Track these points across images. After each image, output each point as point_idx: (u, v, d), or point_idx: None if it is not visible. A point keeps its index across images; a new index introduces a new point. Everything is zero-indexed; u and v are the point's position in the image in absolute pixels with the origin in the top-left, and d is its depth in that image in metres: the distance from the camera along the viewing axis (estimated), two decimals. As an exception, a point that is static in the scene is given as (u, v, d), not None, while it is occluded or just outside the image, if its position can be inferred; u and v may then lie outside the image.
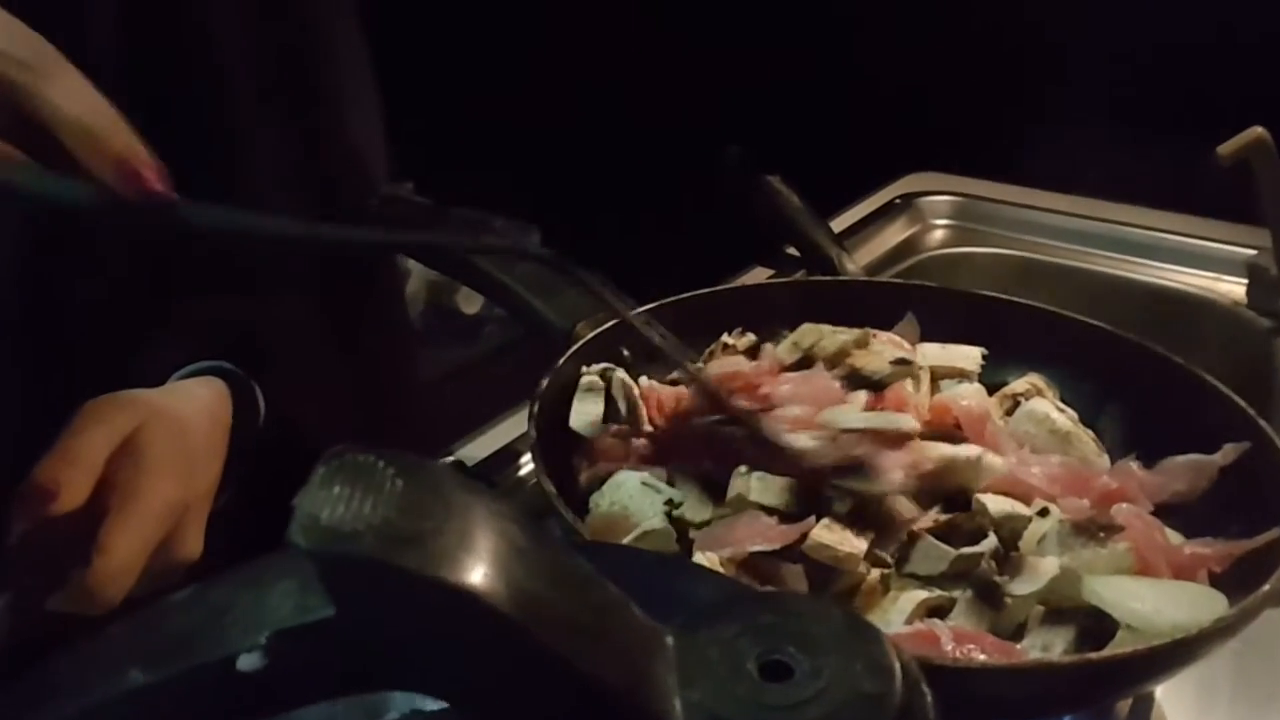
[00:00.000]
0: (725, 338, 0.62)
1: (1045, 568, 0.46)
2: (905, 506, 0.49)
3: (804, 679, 0.26)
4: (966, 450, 0.51)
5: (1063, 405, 0.58)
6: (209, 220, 0.40)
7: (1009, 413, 0.59)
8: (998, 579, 0.46)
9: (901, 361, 0.55)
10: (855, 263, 0.95)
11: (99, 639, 0.26)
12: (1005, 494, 0.51)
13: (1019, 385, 0.60)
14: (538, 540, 0.26)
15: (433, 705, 0.30)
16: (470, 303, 1.49)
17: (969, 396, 0.57)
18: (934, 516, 0.48)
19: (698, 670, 0.26)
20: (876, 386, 0.54)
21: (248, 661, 0.23)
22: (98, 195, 0.39)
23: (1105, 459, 0.56)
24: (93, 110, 0.39)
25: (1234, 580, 0.48)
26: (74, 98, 0.39)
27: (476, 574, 0.23)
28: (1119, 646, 0.44)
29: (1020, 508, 0.49)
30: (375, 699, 0.31)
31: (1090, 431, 0.58)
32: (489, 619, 0.23)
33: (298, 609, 0.23)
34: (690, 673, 0.26)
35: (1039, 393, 0.59)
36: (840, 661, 0.26)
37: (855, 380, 0.55)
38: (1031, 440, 0.56)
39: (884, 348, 0.56)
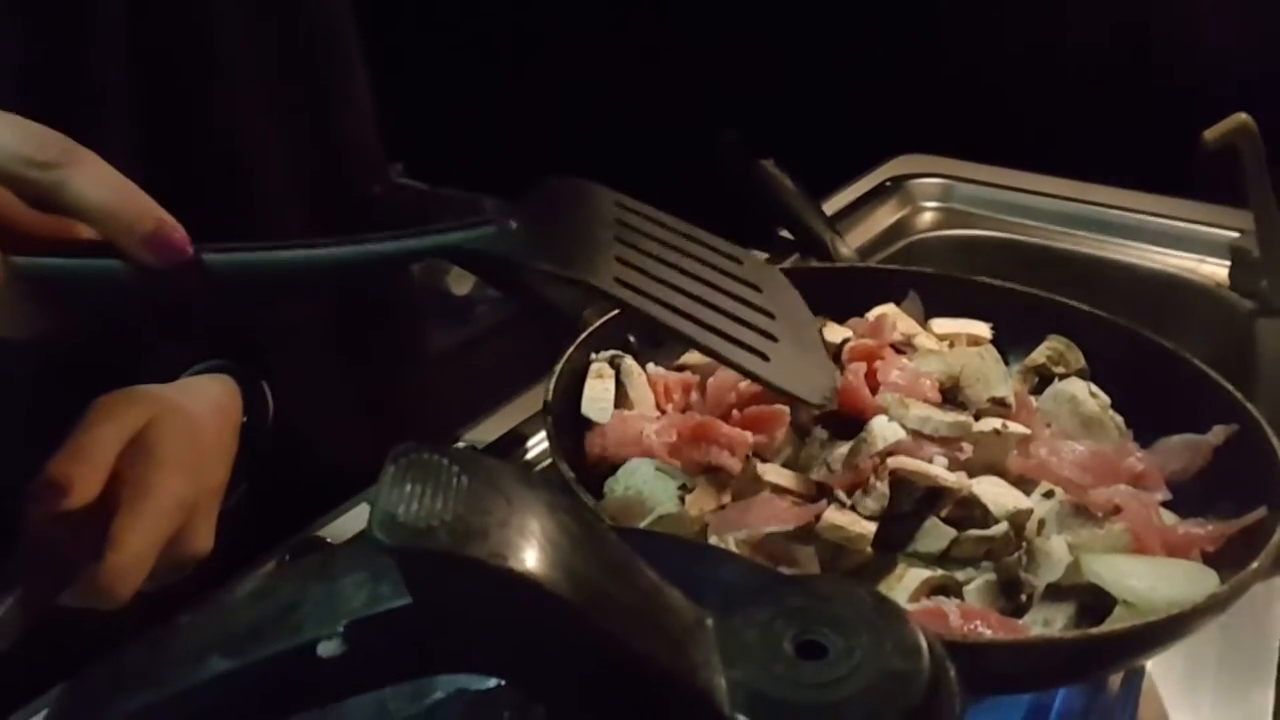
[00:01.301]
0: None
1: (1059, 555, 0.48)
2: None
3: (838, 658, 0.28)
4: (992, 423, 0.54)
5: (1096, 389, 0.60)
6: (231, 263, 0.41)
7: (1033, 390, 0.61)
8: (1024, 575, 0.48)
9: (999, 402, 0.57)
10: (848, 246, 0.97)
11: (172, 629, 0.28)
12: (1028, 478, 0.53)
13: (1039, 355, 0.62)
14: (590, 529, 0.27)
15: (478, 685, 0.32)
16: (461, 284, 1.49)
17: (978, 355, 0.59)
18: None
19: (738, 651, 0.28)
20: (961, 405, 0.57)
21: (328, 648, 0.24)
22: (126, 270, 0.40)
23: (1131, 443, 0.58)
24: (116, 193, 0.40)
25: (1224, 557, 0.50)
26: (97, 185, 0.40)
27: (540, 563, 0.24)
28: (1116, 622, 0.46)
29: (1022, 500, 0.51)
30: (422, 680, 0.32)
31: (1118, 416, 0.59)
32: (552, 604, 0.24)
33: (371, 598, 0.25)
34: (731, 653, 0.28)
35: (1063, 360, 0.61)
36: (871, 641, 0.28)
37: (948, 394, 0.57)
38: (1057, 421, 0.58)
39: (980, 387, 0.58)
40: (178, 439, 0.51)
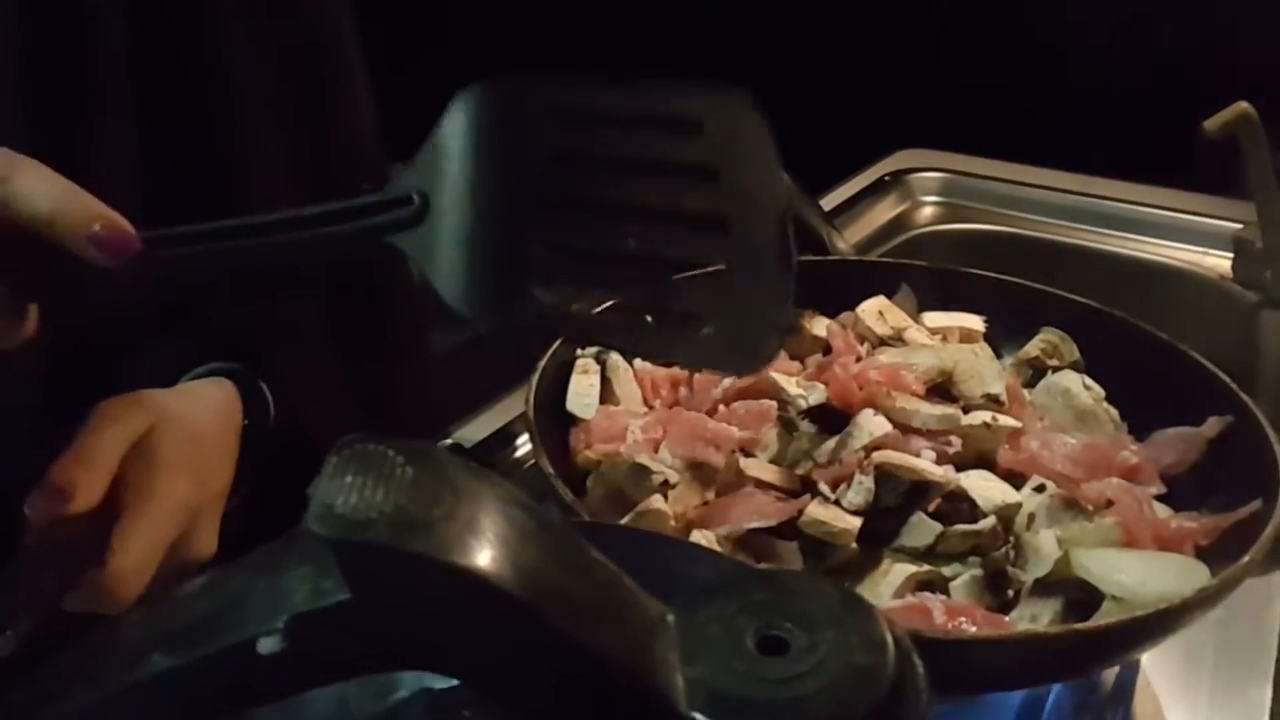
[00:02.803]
0: None
1: (1047, 550, 0.47)
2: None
3: (800, 654, 0.27)
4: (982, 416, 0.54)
5: (1090, 382, 0.59)
6: (175, 242, 0.41)
7: (1027, 383, 0.60)
8: (1011, 569, 0.47)
9: (992, 399, 0.56)
10: (845, 241, 0.96)
11: (116, 627, 0.27)
12: (1019, 473, 0.52)
13: (1033, 348, 0.62)
14: (543, 523, 0.27)
15: (442, 684, 0.32)
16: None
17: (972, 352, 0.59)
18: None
19: (698, 647, 0.27)
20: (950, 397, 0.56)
21: (267, 644, 0.24)
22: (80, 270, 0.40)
23: (1125, 436, 0.57)
24: (60, 197, 0.40)
25: (1217, 551, 0.50)
26: (41, 192, 0.40)
27: (485, 557, 0.24)
28: (1104, 617, 0.45)
29: (1011, 494, 0.51)
30: (385, 679, 0.31)
31: (1113, 409, 0.59)
32: (498, 600, 0.24)
33: (314, 593, 0.24)
34: (691, 649, 0.27)
35: (1057, 352, 0.61)
36: (835, 636, 0.27)
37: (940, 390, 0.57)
38: (1050, 414, 0.58)
39: (974, 383, 0.57)
40: (180, 443, 0.51)
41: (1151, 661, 0.56)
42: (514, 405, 0.74)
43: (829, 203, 1.04)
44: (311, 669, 0.25)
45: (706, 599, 0.29)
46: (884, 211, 1.10)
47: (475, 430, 0.72)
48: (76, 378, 0.58)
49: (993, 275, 0.69)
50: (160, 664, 0.24)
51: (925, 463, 0.50)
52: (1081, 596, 0.47)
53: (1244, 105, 0.85)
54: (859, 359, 0.57)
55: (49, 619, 0.46)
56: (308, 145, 0.66)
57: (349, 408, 0.70)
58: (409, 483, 0.24)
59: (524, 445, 0.71)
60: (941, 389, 0.56)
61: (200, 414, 0.56)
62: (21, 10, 0.55)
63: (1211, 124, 0.85)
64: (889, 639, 0.28)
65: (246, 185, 0.64)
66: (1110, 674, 0.54)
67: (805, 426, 0.56)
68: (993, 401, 0.57)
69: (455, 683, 0.31)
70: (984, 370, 0.58)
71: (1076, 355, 0.63)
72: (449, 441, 0.71)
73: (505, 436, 0.72)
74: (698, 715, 0.26)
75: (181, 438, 0.52)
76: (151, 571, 0.48)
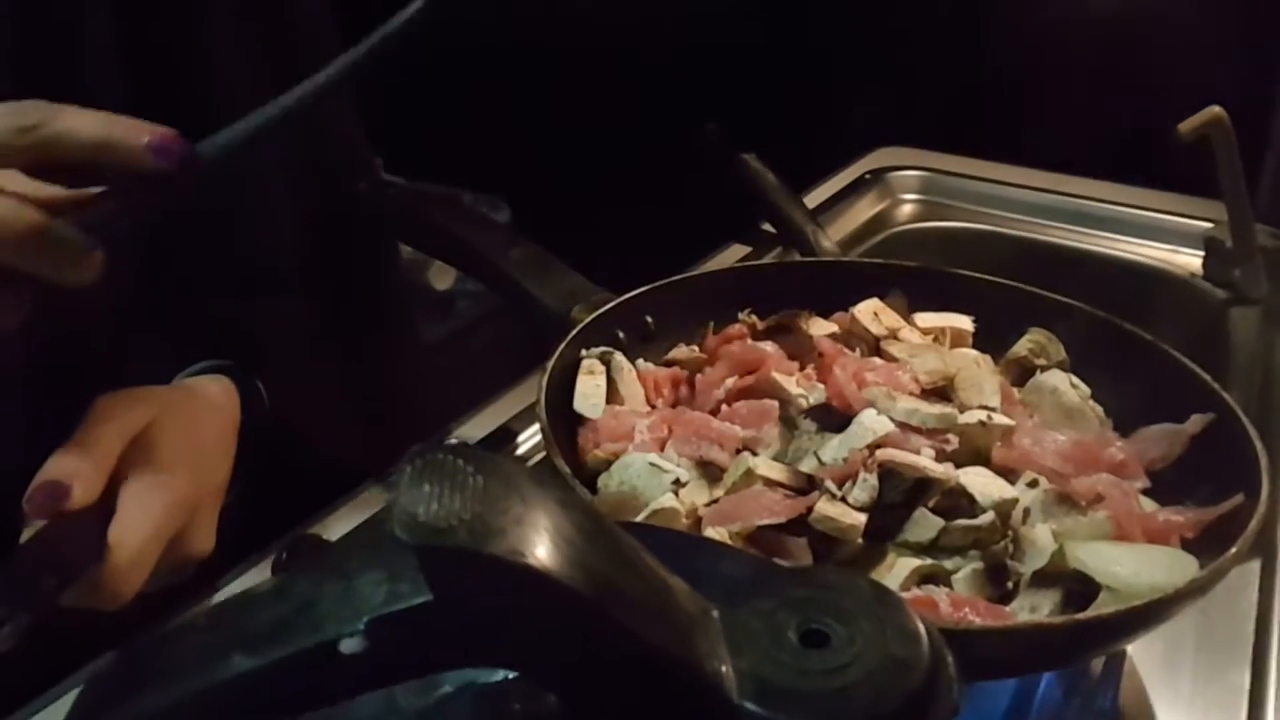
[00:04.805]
0: (742, 316, 0.66)
1: (1044, 543, 0.49)
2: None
3: (841, 646, 0.29)
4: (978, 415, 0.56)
5: (1076, 380, 0.61)
6: (222, 146, 0.44)
7: (1015, 382, 0.62)
8: (1010, 562, 0.49)
9: (988, 409, 0.58)
10: (829, 239, 0.98)
11: (187, 628, 0.28)
12: (1012, 468, 0.54)
13: (1021, 348, 0.64)
14: (599, 525, 0.28)
15: (486, 678, 0.33)
16: (442, 279, 1.49)
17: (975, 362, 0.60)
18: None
19: (743, 641, 0.29)
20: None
21: (350, 645, 0.25)
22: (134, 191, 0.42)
23: (1111, 432, 0.59)
24: (106, 123, 0.43)
25: (1202, 543, 0.52)
26: (86, 124, 0.42)
27: (555, 558, 0.25)
28: (1101, 607, 0.47)
29: (1007, 489, 0.52)
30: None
31: (1098, 406, 0.60)
32: (566, 598, 0.25)
33: (391, 596, 0.26)
34: (737, 643, 0.29)
35: (1045, 352, 0.63)
36: (872, 629, 0.29)
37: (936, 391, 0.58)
38: (1039, 412, 0.60)
39: (973, 392, 0.59)
40: (179, 439, 0.52)
41: (1137, 649, 0.58)
42: (513, 403, 0.75)
43: (811, 200, 1.06)
44: (388, 668, 0.26)
45: (746, 595, 0.30)
46: (864, 209, 1.12)
47: (476, 428, 0.73)
48: (74, 373, 0.58)
49: (981, 276, 0.71)
50: (241, 665, 0.25)
51: (926, 460, 0.52)
52: (1078, 587, 0.49)
53: (1217, 109, 0.88)
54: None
55: (48, 614, 0.47)
56: (299, 143, 0.66)
57: (341, 404, 0.71)
58: (481, 490, 0.25)
59: (525, 443, 0.72)
60: (940, 391, 0.58)
61: (198, 410, 0.56)
62: (10, 10, 0.55)
63: (1185, 126, 0.88)
64: (922, 630, 0.29)
65: (237, 181, 0.65)
66: (1099, 661, 0.57)
67: (806, 425, 0.58)
68: (988, 412, 0.59)
69: (500, 676, 0.32)
70: (984, 383, 0.59)
71: (1063, 355, 0.65)
72: (451, 440, 0.72)
73: (506, 435, 0.73)
74: (748, 705, 0.27)
75: (180, 434, 0.52)
76: (150, 567, 0.49)
